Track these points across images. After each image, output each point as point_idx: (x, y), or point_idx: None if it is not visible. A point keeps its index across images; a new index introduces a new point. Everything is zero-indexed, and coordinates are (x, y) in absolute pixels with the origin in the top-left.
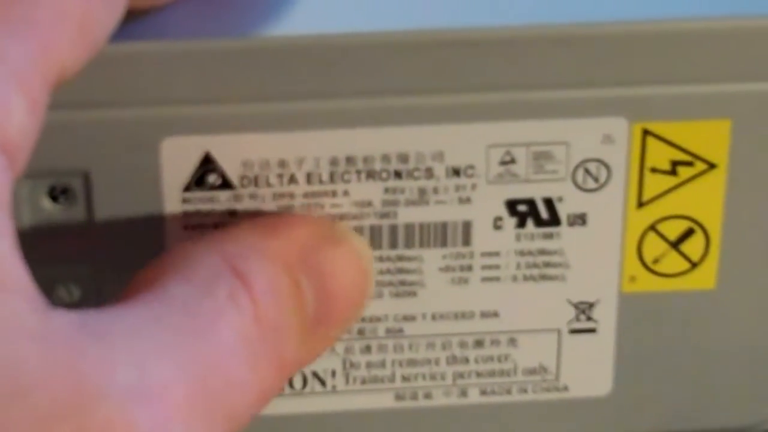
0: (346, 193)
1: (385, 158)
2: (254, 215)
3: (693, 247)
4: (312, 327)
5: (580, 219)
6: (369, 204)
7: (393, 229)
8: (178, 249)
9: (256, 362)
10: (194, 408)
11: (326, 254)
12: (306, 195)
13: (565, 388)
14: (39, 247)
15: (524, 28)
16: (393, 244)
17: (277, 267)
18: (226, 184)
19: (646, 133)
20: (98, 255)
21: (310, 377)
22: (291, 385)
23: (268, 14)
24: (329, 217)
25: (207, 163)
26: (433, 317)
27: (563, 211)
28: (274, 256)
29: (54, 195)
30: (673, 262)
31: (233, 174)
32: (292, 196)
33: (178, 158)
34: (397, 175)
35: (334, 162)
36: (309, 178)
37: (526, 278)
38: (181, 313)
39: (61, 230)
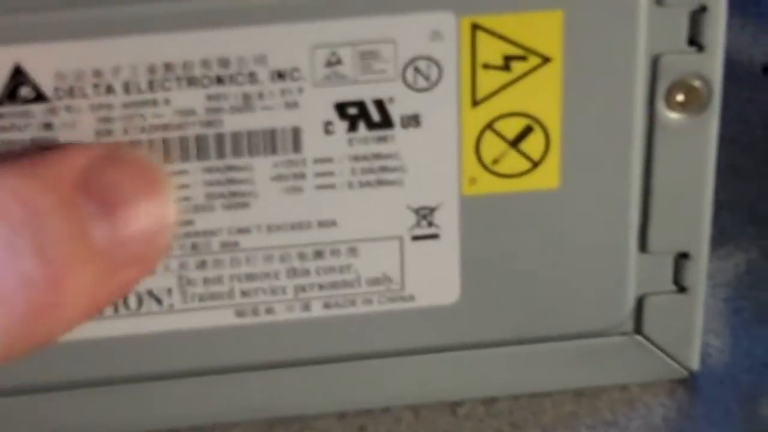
0: (167, 101)
1: (205, 63)
2: (71, 128)
3: (533, 145)
4: (104, 254)
5: (413, 120)
6: (192, 112)
7: (219, 137)
8: None
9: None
10: None
11: (111, 175)
12: (125, 105)
13: (411, 298)
14: None
15: None
16: (221, 154)
17: (44, 190)
18: (40, 97)
19: (475, 27)
20: None
21: (145, 296)
22: (126, 305)
23: None
24: (151, 129)
25: (18, 76)
26: (269, 229)
27: (395, 112)
28: (43, 181)
29: None
30: (514, 162)
31: (47, 86)
32: (110, 107)
33: None
34: (219, 80)
35: (152, 69)
36: (127, 87)
37: (362, 184)
38: None
39: None
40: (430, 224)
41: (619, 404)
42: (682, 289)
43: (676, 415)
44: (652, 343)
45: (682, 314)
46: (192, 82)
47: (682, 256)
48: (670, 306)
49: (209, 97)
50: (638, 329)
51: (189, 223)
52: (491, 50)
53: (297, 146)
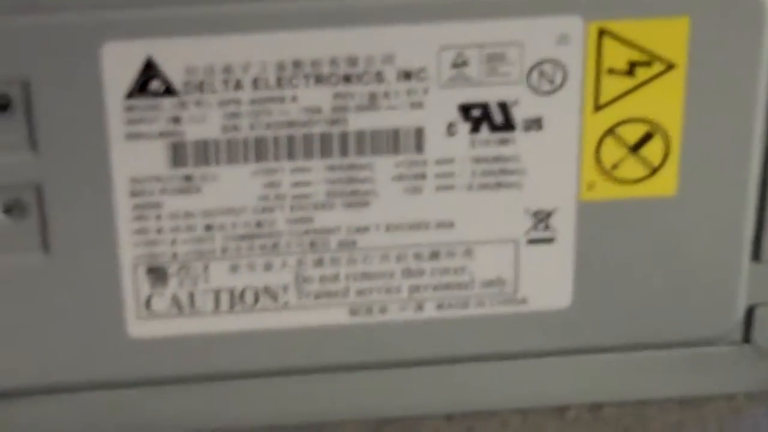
0: (294, 98)
1: (334, 61)
2: (199, 122)
3: (652, 151)
4: None
5: (535, 123)
6: (318, 110)
7: (343, 136)
8: None
9: None
10: None
11: None
12: (253, 101)
13: (524, 301)
14: None
15: None
16: (344, 152)
17: None
18: (169, 91)
19: (602, 32)
20: (40, 170)
21: (261, 292)
22: (242, 300)
23: None
24: (277, 125)
25: (150, 69)
26: (387, 228)
27: (518, 115)
28: None
29: None
30: (633, 168)
31: (177, 80)
32: (238, 102)
33: (119, 64)
34: (347, 79)
35: (281, 66)
36: (255, 83)
37: (481, 186)
38: None
39: (0, 142)
40: (546, 228)
41: (725, 414)
42: None
43: None
44: (761, 352)
45: None
46: (320, 79)
47: None
48: None
49: (336, 96)
50: (747, 338)
51: (308, 220)
52: (617, 55)
53: (419, 146)
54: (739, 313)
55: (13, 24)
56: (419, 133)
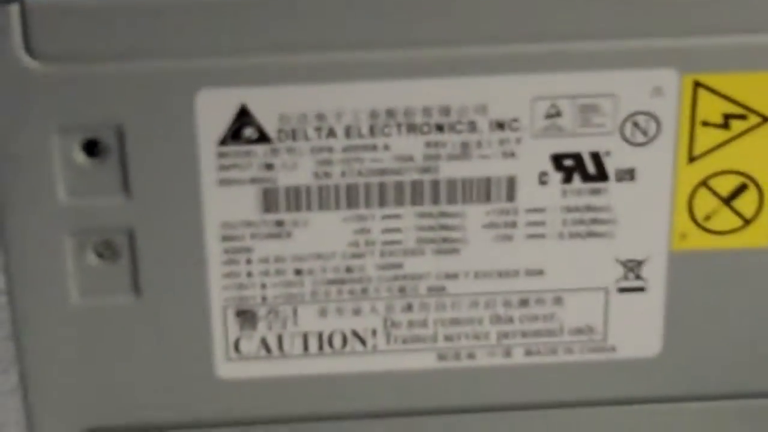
0: (386, 147)
1: (427, 111)
2: (291, 169)
3: (746, 203)
4: None
5: (628, 174)
6: (410, 158)
7: (435, 184)
8: None
9: None
10: None
11: None
12: (345, 149)
13: (613, 349)
14: (73, 204)
15: None
16: (435, 200)
17: None
18: (263, 138)
19: (697, 85)
20: (132, 214)
21: (350, 336)
22: (330, 344)
23: None
24: (369, 173)
25: (243, 116)
26: (477, 275)
27: (611, 165)
28: None
29: (89, 149)
30: (725, 219)
31: (270, 127)
32: (330, 150)
33: (213, 111)
34: (439, 128)
35: (373, 114)
36: (348, 131)
37: (572, 235)
38: None
39: (95, 187)
40: (638, 277)
41: None
42: None
43: None
44: None
45: None
46: (412, 128)
47: None
48: None
49: (428, 144)
50: None
51: (398, 266)
52: (711, 108)
53: (511, 195)
54: None
55: (109, 70)
56: (511, 182)
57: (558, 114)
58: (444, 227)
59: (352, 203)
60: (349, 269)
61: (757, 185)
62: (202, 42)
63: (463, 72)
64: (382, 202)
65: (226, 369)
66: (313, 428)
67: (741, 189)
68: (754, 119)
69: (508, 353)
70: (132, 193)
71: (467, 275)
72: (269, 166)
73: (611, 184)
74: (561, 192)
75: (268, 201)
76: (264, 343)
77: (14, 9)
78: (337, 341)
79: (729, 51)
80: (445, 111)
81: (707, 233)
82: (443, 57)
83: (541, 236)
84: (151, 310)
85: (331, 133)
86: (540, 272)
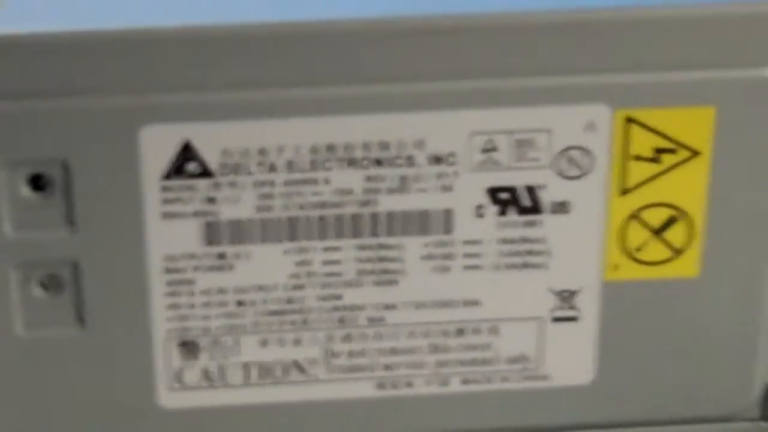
0: (327, 181)
1: (366, 146)
2: (233, 203)
3: (676, 235)
4: None
5: (562, 207)
6: (350, 192)
7: (374, 217)
8: None
9: None
10: None
11: None
12: (287, 183)
13: (547, 377)
14: (18, 238)
15: (506, 15)
16: (374, 233)
17: None
18: (206, 173)
19: (629, 120)
20: (77, 247)
21: (290, 365)
22: (272, 373)
23: (248, 1)
24: (310, 206)
25: (186, 151)
26: (415, 306)
27: (545, 198)
28: None
29: (34, 184)
30: (656, 250)
31: (213, 162)
32: (272, 184)
33: (157, 146)
34: (378, 162)
35: (314, 150)
36: (289, 166)
37: (508, 266)
38: None
39: (40, 220)
40: (571, 307)
41: None
42: None
43: None
44: None
45: None
46: (352, 163)
47: None
48: None
49: (367, 178)
50: (764, 416)
51: (338, 297)
52: (643, 142)
53: (448, 228)
54: (756, 391)
55: (53, 106)
56: (448, 215)
57: (494, 149)
58: (383, 259)
59: (293, 236)
60: (290, 300)
61: (687, 217)
62: (145, 79)
63: (401, 108)
64: (323, 235)
65: (169, 399)
66: None
67: (671, 221)
68: (683, 153)
69: (445, 382)
70: (77, 227)
71: (406, 306)
72: (212, 200)
73: (546, 217)
74: (497, 224)
75: (211, 234)
76: (206, 373)
77: None
78: (278, 371)
79: (659, 87)
80: (384, 146)
81: (638, 264)
82: (382, 93)
83: (478, 267)
84: (95, 342)
85: (273, 167)
86: (476, 302)
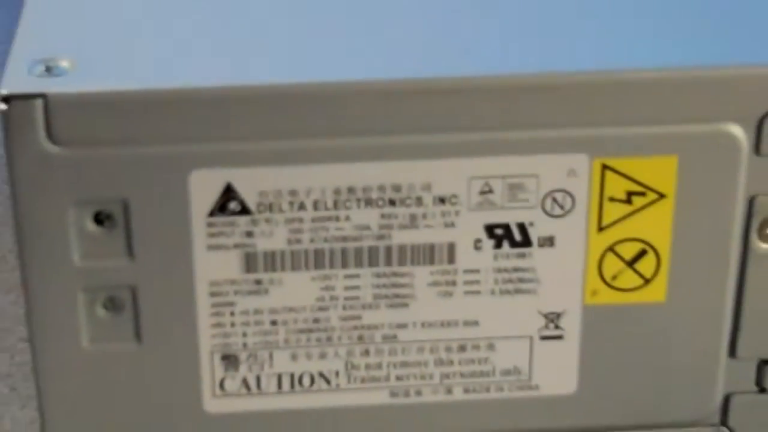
0: (347, 218)
1: (381, 188)
2: (267, 237)
3: (646, 265)
4: None
5: (548, 241)
6: (367, 227)
7: (388, 249)
8: None
9: None
10: None
11: None
12: (313, 219)
13: (536, 387)
14: (85, 266)
15: (500, 77)
16: (388, 262)
17: None
18: (245, 210)
19: (604, 167)
20: (135, 274)
21: (317, 377)
22: (300, 383)
23: (282, 62)
24: (333, 239)
25: (229, 192)
26: (423, 325)
27: (534, 234)
28: None
29: (98, 220)
30: (629, 279)
31: (251, 201)
32: (301, 220)
33: (203, 188)
34: (392, 202)
35: (337, 191)
36: (316, 205)
37: (502, 292)
38: None
39: (103, 251)
40: (557, 327)
41: None
42: (762, 390)
43: None
44: None
45: (762, 412)
46: (369, 202)
47: (765, 363)
48: (752, 404)
49: (382, 216)
50: (724, 422)
51: (357, 318)
52: (616, 186)
53: (451, 258)
54: (717, 401)
55: (116, 153)
56: (451, 248)
57: (490, 191)
58: (396, 285)
59: (319, 265)
60: (316, 320)
61: (654, 250)
62: (194, 130)
63: (411, 156)
64: (344, 264)
65: (213, 404)
66: None
67: (641, 254)
68: (651, 195)
69: (449, 391)
70: (135, 257)
71: (415, 325)
72: (250, 234)
73: (534, 249)
74: (493, 256)
75: (249, 263)
76: (245, 382)
77: (39, 103)
78: (306, 381)
79: (631, 139)
80: (397, 188)
81: (614, 290)
82: (395, 144)
83: (477, 293)
84: (150, 355)
85: (302, 206)
86: (476, 323)
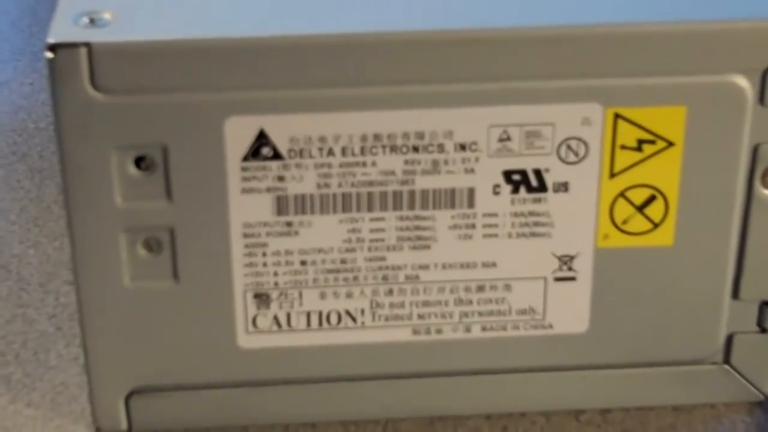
0: (373, 164)
1: (405, 135)
2: (298, 181)
3: (655, 210)
4: None
5: (563, 187)
6: (392, 173)
7: (411, 194)
8: None
9: None
10: None
11: None
12: (341, 165)
13: (550, 326)
14: (126, 208)
15: (518, 29)
16: (411, 206)
17: None
18: (276, 156)
19: (617, 116)
20: (173, 216)
21: (343, 315)
22: (328, 321)
23: (313, 14)
24: (360, 184)
25: (262, 138)
26: (444, 266)
27: (549, 180)
28: None
29: (139, 164)
30: (639, 223)
31: (282, 147)
32: (329, 166)
33: (238, 134)
34: (415, 149)
35: (364, 138)
36: (344, 151)
37: (519, 235)
38: None
39: (144, 194)
40: (570, 269)
41: (708, 419)
42: (763, 330)
43: (755, 430)
44: (737, 372)
45: (763, 350)
46: (394, 149)
47: (766, 304)
48: (753, 343)
49: (406, 162)
50: (727, 360)
51: (382, 259)
52: (628, 134)
53: (471, 203)
54: (721, 340)
55: (156, 101)
56: (471, 193)
57: (508, 138)
58: (418, 228)
59: (346, 208)
60: (343, 261)
61: (663, 196)
62: (229, 79)
63: (434, 105)
64: (370, 208)
65: (246, 340)
66: (313, 388)
67: (651, 199)
68: (661, 144)
69: (468, 329)
70: (173, 199)
71: (436, 266)
72: (281, 178)
73: (550, 195)
74: (510, 201)
75: (280, 206)
76: (276, 319)
77: (83, 51)
78: (333, 319)
79: (642, 90)
80: (420, 135)
81: (625, 234)
82: (419, 93)
83: (495, 236)
84: (187, 293)
85: (331, 152)
86: (493, 264)
